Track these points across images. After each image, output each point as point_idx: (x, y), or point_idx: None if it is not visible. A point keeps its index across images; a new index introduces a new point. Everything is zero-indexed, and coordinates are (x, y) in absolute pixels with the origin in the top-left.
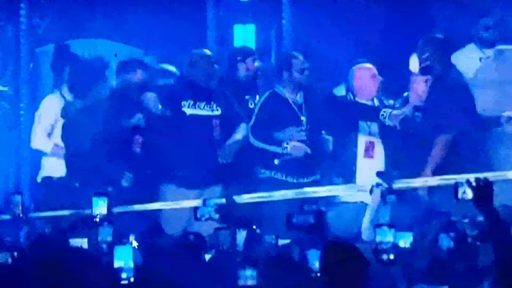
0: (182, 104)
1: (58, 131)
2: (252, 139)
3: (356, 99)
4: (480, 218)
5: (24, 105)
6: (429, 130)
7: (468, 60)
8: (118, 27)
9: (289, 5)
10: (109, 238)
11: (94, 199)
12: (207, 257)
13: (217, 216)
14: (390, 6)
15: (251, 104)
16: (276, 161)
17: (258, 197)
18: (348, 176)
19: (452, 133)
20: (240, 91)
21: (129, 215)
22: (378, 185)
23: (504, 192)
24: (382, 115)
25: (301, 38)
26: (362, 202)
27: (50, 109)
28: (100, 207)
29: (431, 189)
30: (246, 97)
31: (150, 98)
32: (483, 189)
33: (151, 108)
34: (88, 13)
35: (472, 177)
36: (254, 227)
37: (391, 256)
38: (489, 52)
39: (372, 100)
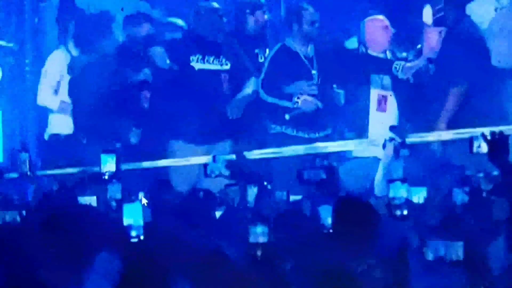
0: (191, 59)
1: (64, 88)
2: (262, 94)
3: (368, 51)
4: (495, 172)
5: (29, 61)
6: (443, 82)
7: (482, 11)
8: None
9: None
10: (118, 196)
11: (103, 156)
12: (218, 214)
13: (227, 172)
14: None
15: (261, 58)
16: (286, 116)
17: (269, 152)
18: (360, 130)
19: (467, 85)
20: (249, 44)
21: (138, 172)
22: (391, 139)
23: None
24: (395, 67)
25: None
26: (375, 156)
27: (56, 65)
28: (108, 164)
29: (445, 143)
30: (256, 50)
31: (158, 52)
32: (498, 143)
33: (159, 63)
34: None
35: (487, 130)
36: (265, 183)
37: (404, 212)
38: (504, 1)
39: (385, 52)
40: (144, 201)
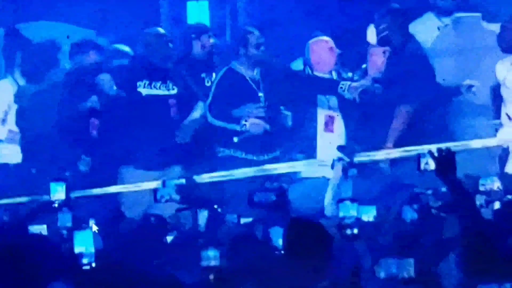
0: (138, 85)
1: (12, 117)
2: (210, 118)
3: (314, 73)
4: (444, 189)
5: None
6: (389, 101)
7: (426, 29)
8: (69, 8)
9: None
10: (69, 224)
11: (52, 185)
12: (169, 239)
13: (177, 197)
14: None
15: (208, 82)
16: (235, 139)
17: (219, 176)
18: (309, 151)
19: (413, 104)
20: (196, 69)
21: (88, 199)
22: (339, 159)
23: (466, 162)
24: (341, 88)
25: (256, 13)
26: (324, 177)
27: (3, 95)
28: (58, 193)
29: (393, 162)
30: (202, 75)
31: (105, 79)
32: (446, 160)
33: (106, 90)
34: None
35: (434, 147)
36: (215, 206)
37: (355, 231)
38: (447, 20)
39: (330, 73)
40: (95, 228)
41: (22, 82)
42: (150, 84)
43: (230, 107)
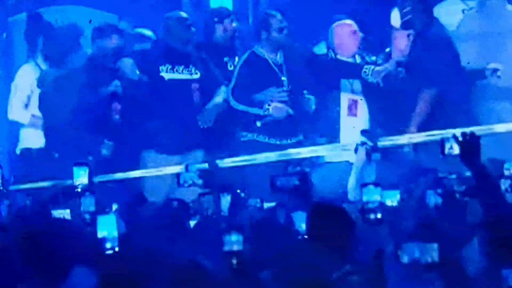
0: (160, 69)
1: (35, 102)
2: (232, 102)
3: (337, 56)
4: (468, 173)
5: None
6: (412, 85)
7: (450, 12)
8: None
9: None
10: (92, 208)
11: (75, 169)
12: (192, 223)
13: (200, 181)
14: None
15: (230, 66)
16: (258, 123)
17: (241, 160)
18: (332, 135)
19: (436, 87)
20: (218, 53)
21: (111, 184)
22: (362, 143)
23: (491, 146)
24: (365, 72)
25: None
26: (347, 161)
27: (26, 80)
28: (81, 177)
29: (416, 146)
30: (225, 59)
31: (127, 64)
32: (470, 144)
33: (129, 74)
34: None
35: (458, 132)
36: (238, 191)
37: (378, 215)
38: (472, 3)
39: (354, 57)
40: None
41: (44, 66)
42: (172, 68)
43: (253, 91)
